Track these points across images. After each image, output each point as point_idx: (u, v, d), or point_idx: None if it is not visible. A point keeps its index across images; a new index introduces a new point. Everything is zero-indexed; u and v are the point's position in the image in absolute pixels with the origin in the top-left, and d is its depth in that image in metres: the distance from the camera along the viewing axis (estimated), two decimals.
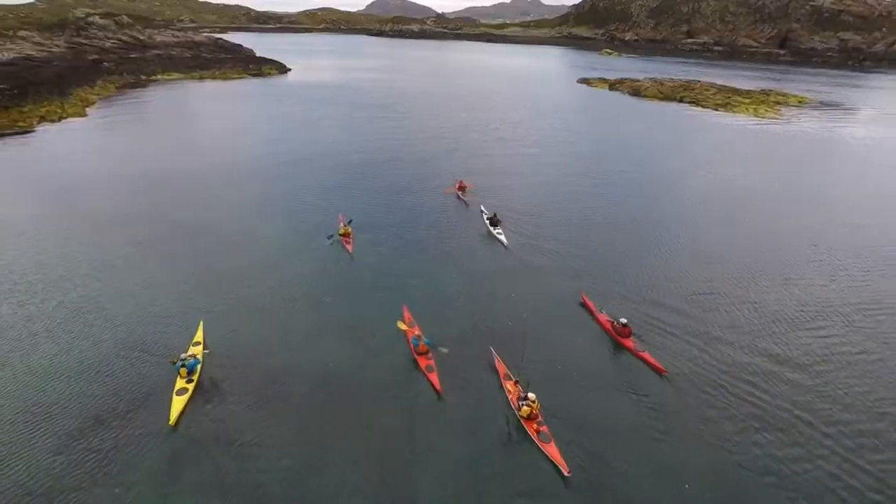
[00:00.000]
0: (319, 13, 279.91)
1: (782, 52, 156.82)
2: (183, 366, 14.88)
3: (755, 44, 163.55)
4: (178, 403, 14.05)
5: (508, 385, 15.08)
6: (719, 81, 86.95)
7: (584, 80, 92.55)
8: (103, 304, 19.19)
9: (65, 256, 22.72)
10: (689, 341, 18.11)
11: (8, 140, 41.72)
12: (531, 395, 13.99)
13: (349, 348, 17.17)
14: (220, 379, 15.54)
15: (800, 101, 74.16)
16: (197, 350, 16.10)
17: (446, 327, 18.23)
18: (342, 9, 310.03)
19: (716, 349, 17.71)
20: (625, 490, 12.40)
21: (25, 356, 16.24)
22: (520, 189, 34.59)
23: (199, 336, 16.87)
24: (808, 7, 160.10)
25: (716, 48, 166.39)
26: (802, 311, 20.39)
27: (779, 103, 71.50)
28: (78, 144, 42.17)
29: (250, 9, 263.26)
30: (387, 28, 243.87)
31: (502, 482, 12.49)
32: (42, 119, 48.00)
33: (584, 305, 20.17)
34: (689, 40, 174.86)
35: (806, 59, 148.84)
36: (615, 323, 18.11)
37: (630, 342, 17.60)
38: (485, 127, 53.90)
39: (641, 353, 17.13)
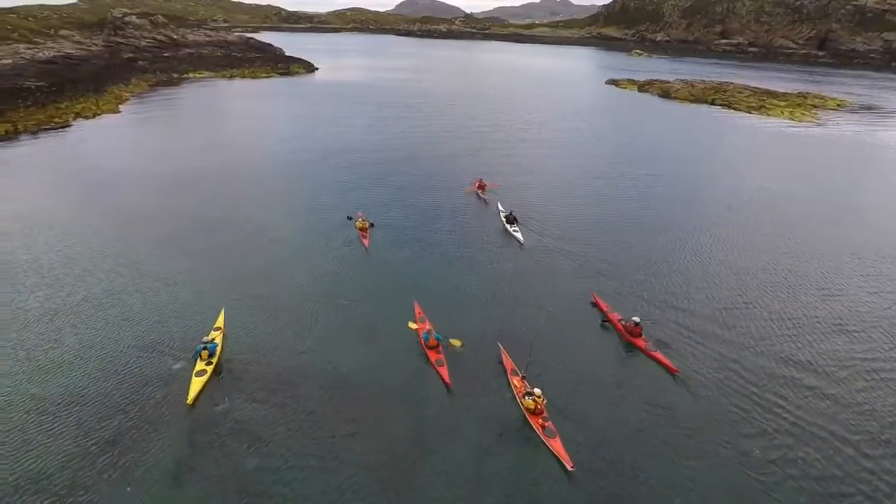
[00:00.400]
0: (349, 13, 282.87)
1: (821, 53, 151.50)
2: (204, 349, 15.46)
3: (792, 45, 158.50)
4: (196, 384, 14.64)
5: (515, 380, 15.22)
6: (753, 83, 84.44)
7: (613, 82, 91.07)
8: (128, 291, 19.76)
9: (92, 250, 23.25)
10: (704, 344, 17.80)
11: (45, 135, 43.18)
12: (537, 391, 14.14)
13: (361, 340, 17.48)
14: (237, 363, 16.09)
15: (839, 105, 71.41)
16: (217, 335, 16.66)
17: (457, 322, 18.34)
18: (371, 9, 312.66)
19: (732, 353, 17.37)
20: (628, 487, 12.35)
21: (53, 341, 16.65)
22: (541, 189, 34.35)
23: (219, 322, 17.49)
24: (849, 7, 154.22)
25: (750, 49, 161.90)
26: (826, 318, 19.66)
27: (816, 106, 68.98)
28: (110, 140, 43.36)
29: (281, 9, 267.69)
30: (415, 28, 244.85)
31: (506, 475, 12.62)
32: (77, 115, 49.55)
33: (595, 305, 20.06)
34: (723, 41, 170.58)
35: (846, 60, 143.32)
36: (627, 322, 18.00)
37: (641, 341, 17.45)
38: (509, 127, 53.47)
39: (653, 353, 16.97)
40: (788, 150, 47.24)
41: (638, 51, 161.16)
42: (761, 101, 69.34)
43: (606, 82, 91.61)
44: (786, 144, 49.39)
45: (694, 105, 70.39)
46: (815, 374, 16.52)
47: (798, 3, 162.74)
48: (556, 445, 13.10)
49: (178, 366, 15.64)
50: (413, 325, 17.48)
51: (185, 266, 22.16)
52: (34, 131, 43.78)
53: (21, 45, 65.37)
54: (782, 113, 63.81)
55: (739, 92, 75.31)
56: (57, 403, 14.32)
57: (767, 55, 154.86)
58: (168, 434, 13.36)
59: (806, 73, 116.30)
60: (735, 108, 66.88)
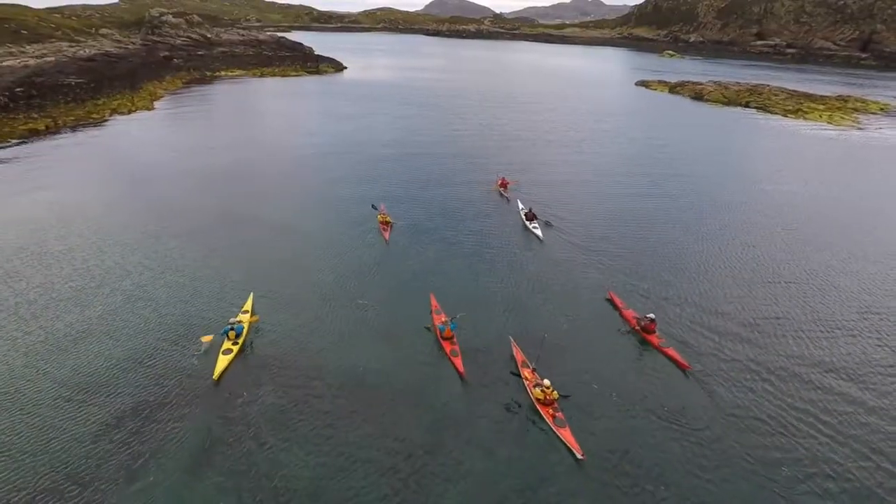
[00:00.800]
0: (378, 13, 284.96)
1: (864, 55, 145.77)
2: (231, 329, 16.30)
3: (833, 46, 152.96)
4: (222, 362, 15.51)
5: (525, 372, 15.53)
6: (790, 86, 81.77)
7: (643, 83, 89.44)
8: (159, 275, 20.54)
9: (124, 241, 23.91)
10: (720, 344, 17.84)
11: (83, 131, 44.69)
12: (546, 382, 14.49)
13: (379, 330, 18.08)
14: (261, 345, 16.96)
15: (881, 109, 68.59)
16: (245, 317, 17.50)
17: (471, 314, 18.62)
18: (401, 9, 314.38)
19: (747, 353, 17.41)
20: (637, 477, 12.59)
21: (84, 323, 17.21)
22: (563, 188, 34.42)
23: (248, 305, 18.46)
24: None
25: (788, 51, 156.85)
26: (856, 326, 19.12)
27: (857, 110, 66.39)
28: (144, 136, 44.60)
29: (312, 8, 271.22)
30: (443, 28, 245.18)
31: (517, 462, 12.96)
32: (114, 112, 51.14)
33: (610, 301, 20.24)
34: (759, 42, 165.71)
35: (891, 63, 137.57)
36: (641, 319, 18.16)
37: (654, 338, 17.61)
38: (536, 128, 53.02)
39: (666, 349, 17.10)
40: (826, 154, 45.62)
41: (670, 52, 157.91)
42: (798, 104, 67.12)
43: (636, 84, 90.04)
44: (823, 148, 47.72)
45: (727, 108, 68.58)
46: (844, 380, 16.34)
47: (841, 2, 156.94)
48: (567, 435, 13.40)
49: (205, 345, 16.34)
50: (429, 326, 17.94)
51: (215, 253, 23.19)
52: (73, 127, 45.37)
53: (64, 44, 67.84)
54: (820, 116, 61.65)
55: (775, 94, 73.04)
56: (92, 376, 15.13)
57: (806, 57, 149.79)
58: (194, 407, 14.23)
59: (847, 75, 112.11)
60: (770, 111, 64.89)
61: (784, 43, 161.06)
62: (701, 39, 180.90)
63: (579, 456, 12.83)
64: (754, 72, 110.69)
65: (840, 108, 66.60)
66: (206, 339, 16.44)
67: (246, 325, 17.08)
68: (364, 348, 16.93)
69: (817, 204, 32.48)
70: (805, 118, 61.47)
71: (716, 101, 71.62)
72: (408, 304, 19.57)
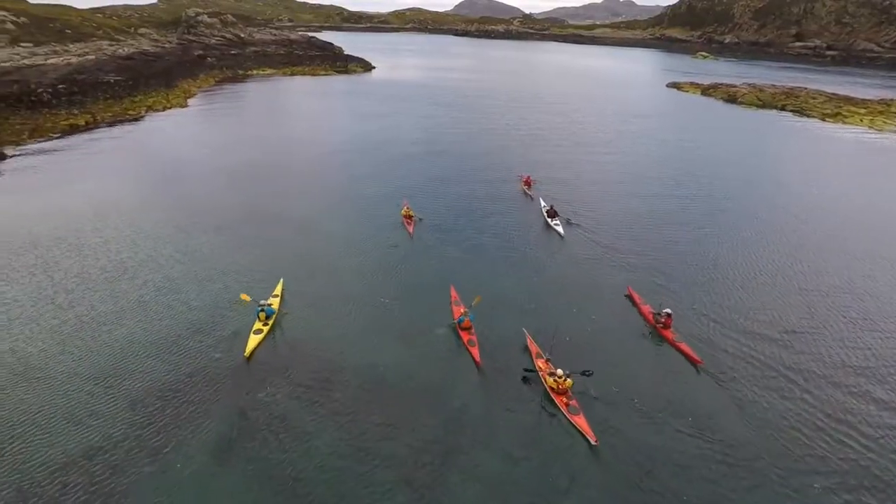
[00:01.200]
0: (408, 13, 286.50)
1: None
2: (262, 311, 17.24)
3: (877, 48, 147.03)
4: (253, 341, 16.43)
5: (539, 362, 15.89)
6: (829, 89, 79.00)
7: (674, 85, 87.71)
8: (189, 268, 20.99)
9: (156, 235, 24.63)
10: (738, 340, 18.04)
11: (120, 127, 46.26)
12: (559, 371, 14.79)
13: (400, 319, 18.70)
14: (289, 328, 17.87)
15: None
16: (275, 301, 18.53)
17: (490, 307, 18.93)
18: (430, 9, 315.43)
19: (762, 352, 17.49)
20: (649, 463, 12.89)
21: (116, 315, 17.81)
22: (588, 187, 34.53)
23: (278, 290, 19.44)
24: None
25: (828, 52, 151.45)
26: (882, 328, 18.51)
27: None
28: (177, 133, 45.91)
29: (343, 9, 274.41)
30: (472, 28, 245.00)
31: (532, 448, 13.29)
32: (149, 108, 52.75)
33: (629, 297, 20.45)
34: (798, 44, 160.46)
35: None
36: (658, 314, 18.41)
37: (669, 333, 17.88)
38: (563, 129, 52.56)
39: (679, 344, 17.38)
40: (865, 159, 43.93)
41: (703, 53, 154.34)
42: (838, 108, 64.81)
43: (667, 85, 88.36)
44: (863, 153, 45.99)
45: (762, 111, 66.73)
46: (857, 378, 16.38)
47: (886, 2, 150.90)
48: (580, 421, 13.71)
49: (242, 302, 17.74)
50: (445, 328, 18.13)
51: (245, 244, 24.26)
52: (111, 122, 46.99)
53: (104, 42, 70.24)
54: (861, 121, 59.42)
55: (813, 98, 70.71)
56: (124, 361, 15.74)
57: (848, 59, 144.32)
58: (226, 382, 15.16)
59: (892, 78, 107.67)
60: (808, 115, 62.85)
61: (824, 44, 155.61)
62: (736, 41, 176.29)
63: (593, 442, 13.15)
64: (792, 74, 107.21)
65: (883, 112, 64.02)
66: (245, 297, 17.75)
67: (276, 308, 18.04)
68: (385, 336, 17.61)
69: (851, 209, 31.27)
70: (845, 122, 59.34)
71: (750, 104, 69.73)
72: (429, 294, 20.27)
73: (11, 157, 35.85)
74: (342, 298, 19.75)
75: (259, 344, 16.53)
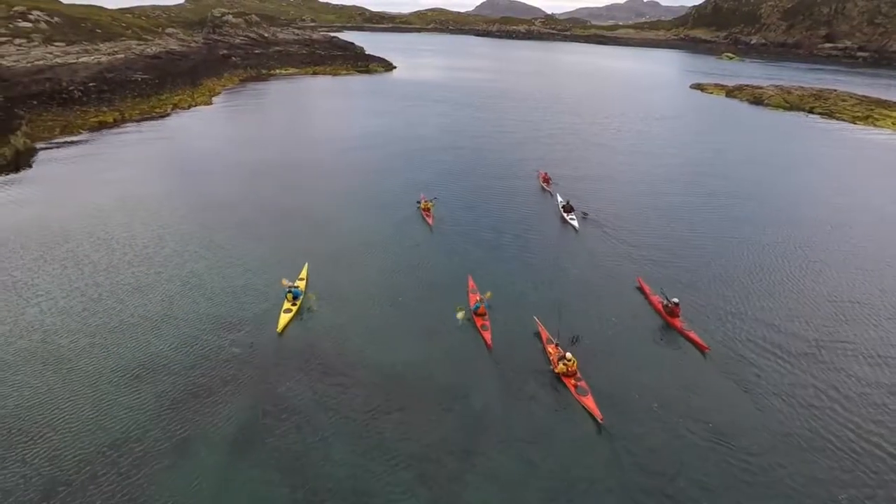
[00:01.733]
0: (429, 13, 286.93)
1: None
2: (290, 292, 18.92)
3: None
4: (284, 319, 18.01)
5: (549, 348, 16.62)
6: (861, 91, 76.86)
7: (698, 86, 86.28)
8: (213, 263, 21.36)
9: (182, 231, 25.16)
10: (746, 331, 18.60)
11: (147, 124, 47.31)
12: (568, 355, 15.43)
13: (418, 303, 19.84)
14: (315, 308, 19.21)
15: None
16: (301, 284, 20.10)
17: (504, 295, 19.94)
18: (452, 9, 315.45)
19: (768, 338, 18.20)
20: (653, 440, 13.52)
21: (143, 309, 18.23)
22: (605, 186, 35.06)
23: (303, 274, 21.00)
24: None
25: (860, 54, 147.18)
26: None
27: None
28: (202, 130, 46.79)
29: (365, 9, 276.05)
30: (494, 29, 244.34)
31: (541, 427, 13.92)
32: (175, 106, 53.82)
33: (640, 289, 21.10)
34: (827, 45, 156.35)
35: None
36: (667, 303, 18.90)
37: (678, 321, 18.43)
38: (583, 130, 52.18)
39: (687, 332, 17.96)
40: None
41: (729, 54, 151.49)
42: (869, 111, 63.06)
43: (691, 86, 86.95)
44: (893, 157, 44.62)
45: (789, 113, 65.27)
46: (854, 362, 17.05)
47: None
48: (588, 402, 14.41)
49: (284, 288, 19.06)
50: (460, 314, 18.62)
51: (270, 232, 25.42)
52: (138, 120, 48.10)
53: (133, 42, 71.79)
54: (894, 124, 57.73)
55: (843, 100, 68.87)
56: (150, 354, 15.89)
57: (880, 61, 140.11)
58: (261, 354, 16.47)
59: None
60: (837, 118, 61.30)
61: (856, 45, 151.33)
62: (763, 41, 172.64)
63: (599, 420, 13.81)
64: (821, 76, 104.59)
65: None
66: (285, 282, 19.15)
67: (303, 290, 19.60)
68: (404, 319, 18.81)
69: (873, 211, 30.43)
70: (876, 125, 57.74)
71: (777, 106, 68.23)
72: (446, 283, 21.28)
73: (43, 151, 36.93)
74: (364, 282, 21.10)
75: (289, 322, 18.03)
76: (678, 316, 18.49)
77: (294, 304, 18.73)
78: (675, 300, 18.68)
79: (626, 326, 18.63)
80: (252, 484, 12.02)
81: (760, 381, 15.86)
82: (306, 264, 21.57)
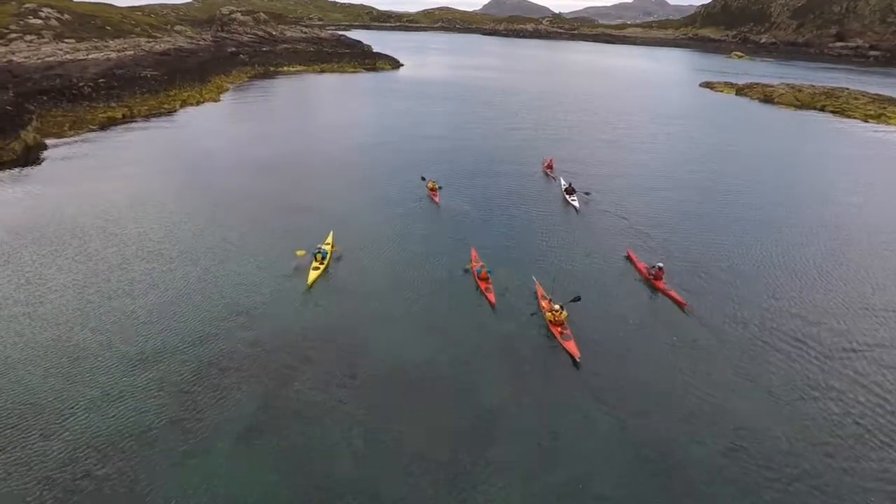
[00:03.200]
0: (436, 12, 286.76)
1: None
2: (318, 252, 21.41)
3: None
4: (312, 275, 20.57)
5: (543, 303, 19.02)
6: (872, 90, 75.96)
7: (707, 84, 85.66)
8: (223, 259, 21.29)
9: (192, 227, 25.19)
10: (721, 288, 19.15)
11: (156, 120, 47.48)
12: (556, 307, 17.79)
13: (428, 268, 22.08)
14: (339, 269, 21.72)
15: None
16: (327, 247, 22.54)
17: (505, 265, 22.09)
18: (459, 8, 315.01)
19: (741, 295, 20.60)
20: (625, 376, 15.72)
21: (154, 304, 18.27)
22: (609, 177, 35.92)
23: (329, 239, 23.43)
24: None
25: (871, 53, 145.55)
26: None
27: None
28: (211, 126, 46.89)
29: (373, 8, 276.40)
30: (501, 28, 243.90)
31: (528, 367, 16.27)
32: (184, 103, 54.00)
33: (628, 258, 23.30)
34: (838, 44, 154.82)
35: None
36: (651, 267, 21.00)
37: (661, 284, 20.50)
38: (590, 127, 51.94)
39: (668, 291, 20.15)
40: None
41: (738, 53, 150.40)
42: (881, 109, 62.32)
43: (700, 85, 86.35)
44: None
45: (799, 111, 64.65)
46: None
47: None
48: (570, 345, 16.73)
49: (297, 259, 21.23)
50: (469, 266, 21.68)
51: (281, 225, 25.88)
52: (147, 116, 48.27)
53: (142, 39, 72.27)
54: None
55: (855, 98, 68.05)
56: (160, 350, 15.83)
57: (893, 60, 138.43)
58: (291, 306, 18.87)
59: None
60: (848, 116, 60.64)
61: (867, 44, 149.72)
62: (773, 40, 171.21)
63: (577, 358, 16.18)
64: (832, 75, 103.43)
65: None
66: (300, 253, 21.13)
67: (328, 253, 22.01)
68: (416, 281, 20.97)
69: (885, 208, 30.15)
70: (888, 123, 57.06)
71: (787, 105, 67.60)
72: (452, 253, 23.33)
73: (52, 146, 37.15)
74: (379, 252, 23.40)
75: (317, 278, 20.47)
76: (661, 279, 20.54)
77: (322, 263, 21.14)
78: (660, 265, 20.87)
79: (614, 288, 20.95)
80: (262, 468, 12.03)
81: (735, 332, 18.01)
82: (331, 232, 23.91)
